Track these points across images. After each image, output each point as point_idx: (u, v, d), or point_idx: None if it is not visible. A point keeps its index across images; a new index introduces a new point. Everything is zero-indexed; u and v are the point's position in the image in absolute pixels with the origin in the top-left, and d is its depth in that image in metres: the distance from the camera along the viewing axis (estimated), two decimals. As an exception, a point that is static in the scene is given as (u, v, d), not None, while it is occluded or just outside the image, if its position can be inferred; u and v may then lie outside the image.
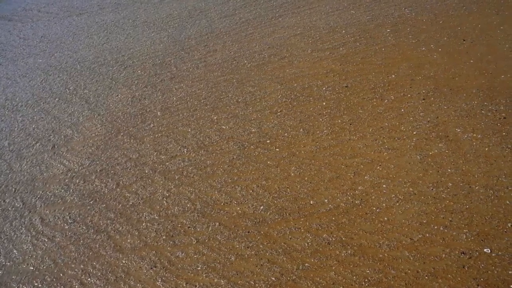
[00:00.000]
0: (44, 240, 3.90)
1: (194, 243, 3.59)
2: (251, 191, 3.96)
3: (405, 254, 3.16)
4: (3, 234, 4.04)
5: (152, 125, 5.14)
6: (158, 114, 5.29)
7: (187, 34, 7.24)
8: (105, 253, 3.66)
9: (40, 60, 7.20)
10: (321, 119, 4.66)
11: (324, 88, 5.14)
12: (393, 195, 3.64)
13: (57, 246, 3.82)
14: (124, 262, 3.55)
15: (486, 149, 3.90)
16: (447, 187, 3.62)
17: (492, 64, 4.96)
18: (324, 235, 3.43)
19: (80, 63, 6.87)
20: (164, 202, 4.05)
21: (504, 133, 4.03)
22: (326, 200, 3.72)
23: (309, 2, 7.53)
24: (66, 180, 4.54)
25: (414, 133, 4.23)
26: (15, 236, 3.99)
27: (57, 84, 6.35)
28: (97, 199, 4.24)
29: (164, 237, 3.70)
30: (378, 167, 3.94)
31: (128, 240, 3.74)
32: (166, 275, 3.37)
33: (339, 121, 4.59)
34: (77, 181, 4.51)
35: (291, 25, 6.83)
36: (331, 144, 4.30)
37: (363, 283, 3.04)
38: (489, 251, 3.08)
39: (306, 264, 3.23)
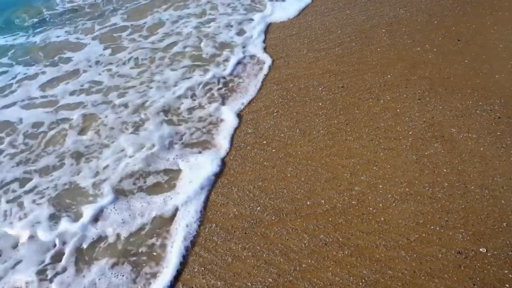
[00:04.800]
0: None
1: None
2: (247, 192, 3.95)
3: (402, 254, 3.18)
4: None
5: (147, 126, 5.12)
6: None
7: (182, 34, 7.22)
8: (101, 256, 3.64)
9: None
10: (317, 120, 4.67)
11: (320, 89, 5.14)
12: (389, 195, 3.65)
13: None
14: (120, 264, 3.53)
15: (481, 149, 3.93)
16: (443, 187, 3.64)
17: (487, 64, 5.00)
18: (321, 235, 3.43)
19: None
20: (160, 203, 4.03)
21: (499, 132, 4.06)
22: (322, 201, 3.72)
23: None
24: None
25: (410, 133, 4.25)
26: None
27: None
28: (93, 201, 4.22)
29: (160, 239, 3.68)
30: (374, 168, 3.95)
31: (124, 242, 3.72)
32: (163, 277, 3.36)
33: (335, 121, 4.60)
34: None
35: (286, 25, 6.83)
36: (327, 145, 4.31)
37: (360, 283, 3.04)
38: (485, 251, 3.10)
39: (303, 265, 3.23)
